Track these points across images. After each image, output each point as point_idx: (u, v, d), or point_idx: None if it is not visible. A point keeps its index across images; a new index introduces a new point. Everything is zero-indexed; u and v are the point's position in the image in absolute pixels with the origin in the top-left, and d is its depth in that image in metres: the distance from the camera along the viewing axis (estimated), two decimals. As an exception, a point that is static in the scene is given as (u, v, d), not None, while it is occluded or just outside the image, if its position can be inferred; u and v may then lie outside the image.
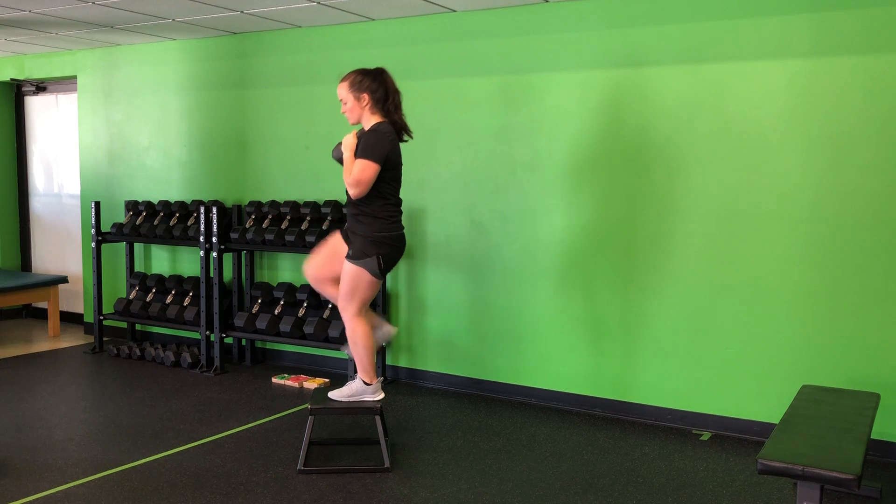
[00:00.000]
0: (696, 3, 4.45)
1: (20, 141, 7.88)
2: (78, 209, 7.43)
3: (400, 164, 3.89)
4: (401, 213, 3.95)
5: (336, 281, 3.97)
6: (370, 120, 3.84)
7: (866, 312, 4.13)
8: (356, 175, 3.69)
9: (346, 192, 3.78)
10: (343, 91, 3.85)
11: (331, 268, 4.00)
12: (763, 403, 4.39)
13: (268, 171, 6.06)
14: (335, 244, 4.01)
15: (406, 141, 3.98)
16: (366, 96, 3.81)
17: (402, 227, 3.94)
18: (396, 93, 3.88)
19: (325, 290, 4.08)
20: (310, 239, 5.42)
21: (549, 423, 4.67)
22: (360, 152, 3.72)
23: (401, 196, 3.98)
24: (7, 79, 7.46)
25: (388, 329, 4.15)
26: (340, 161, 3.87)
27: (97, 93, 6.89)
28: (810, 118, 4.20)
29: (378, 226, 3.80)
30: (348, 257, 3.83)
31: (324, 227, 5.55)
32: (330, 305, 5.55)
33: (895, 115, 4.01)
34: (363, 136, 3.78)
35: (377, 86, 3.82)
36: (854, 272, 4.14)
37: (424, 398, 5.16)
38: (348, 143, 3.80)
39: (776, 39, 4.26)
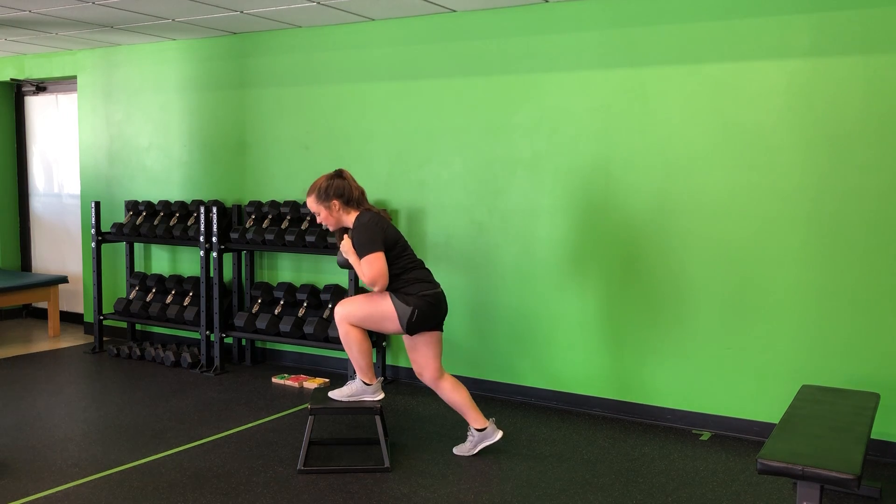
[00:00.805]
0: (696, 3, 4.45)
1: (20, 141, 7.88)
2: (78, 209, 7.44)
3: (400, 236, 3.92)
4: (429, 272, 3.98)
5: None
6: (349, 218, 3.89)
7: (866, 312, 4.13)
8: (369, 274, 3.74)
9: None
10: (313, 204, 3.90)
11: (422, 363, 3.99)
12: (763, 403, 4.39)
13: (268, 171, 6.06)
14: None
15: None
16: (335, 202, 3.85)
17: (439, 286, 3.96)
18: (359, 188, 3.92)
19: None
20: (310, 239, 5.42)
21: (549, 423, 4.67)
22: (359, 251, 3.77)
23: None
24: (7, 79, 7.46)
25: (498, 436, 4.09)
26: (347, 266, 3.96)
27: (97, 93, 6.90)
28: (810, 118, 4.21)
29: (418, 287, 3.85)
30: (391, 291, 3.84)
31: (323, 227, 5.54)
32: (330, 305, 5.55)
33: (894, 115, 4.01)
34: (353, 236, 3.82)
35: (342, 189, 3.86)
36: (854, 272, 4.15)
37: (424, 398, 5.16)
38: (347, 248, 3.87)
39: (776, 39, 4.26)
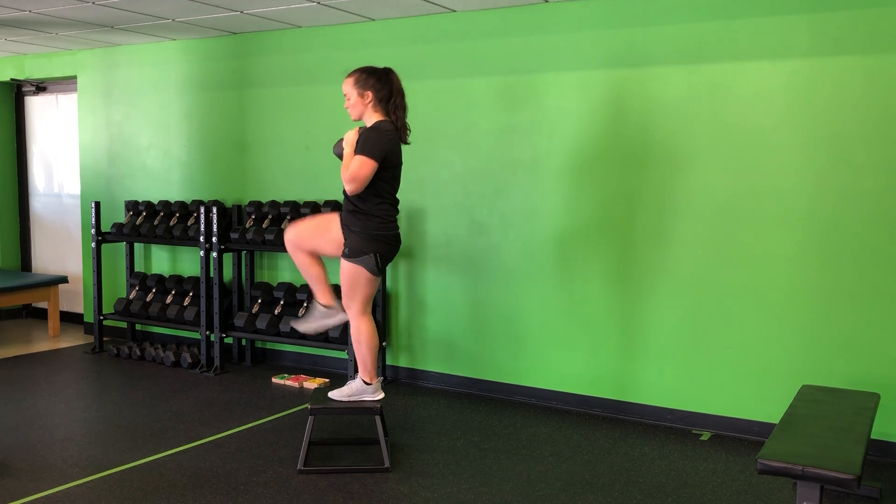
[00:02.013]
0: (696, 3, 4.45)
1: (20, 141, 7.88)
2: (78, 209, 7.43)
3: (399, 164, 3.89)
4: (397, 212, 3.95)
5: (311, 254, 3.98)
6: (372, 118, 3.85)
7: (866, 312, 4.13)
8: (353, 171, 3.69)
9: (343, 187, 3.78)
10: (348, 86, 3.86)
11: (313, 241, 3.98)
12: (763, 403, 4.39)
13: (268, 171, 6.06)
14: (328, 222, 3.98)
15: (407, 143, 3.96)
16: (370, 94, 3.81)
17: (398, 228, 3.94)
18: (401, 94, 3.87)
19: (298, 257, 4.01)
20: (310, 239, 5.42)
21: (549, 423, 4.67)
22: (359, 148, 3.72)
23: (399, 197, 3.97)
24: (7, 79, 7.46)
25: (342, 317, 4.08)
26: (341, 156, 3.87)
27: (97, 93, 6.90)
28: (809, 118, 4.21)
29: (374, 223, 3.80)
30: (344, 255, 3.84)
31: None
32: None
33: (893, 115, 4.01)
34: (364, 133, 3.78)
35: (382, 85, 3.82)
36: (853, 272, 4.15)
37: (424, 398, 5.16)
38: (349, 138, 3.80)
39: (775, 39, 4.26)
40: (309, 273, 4.02)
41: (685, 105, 4.51)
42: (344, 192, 3.80)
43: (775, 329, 4.35)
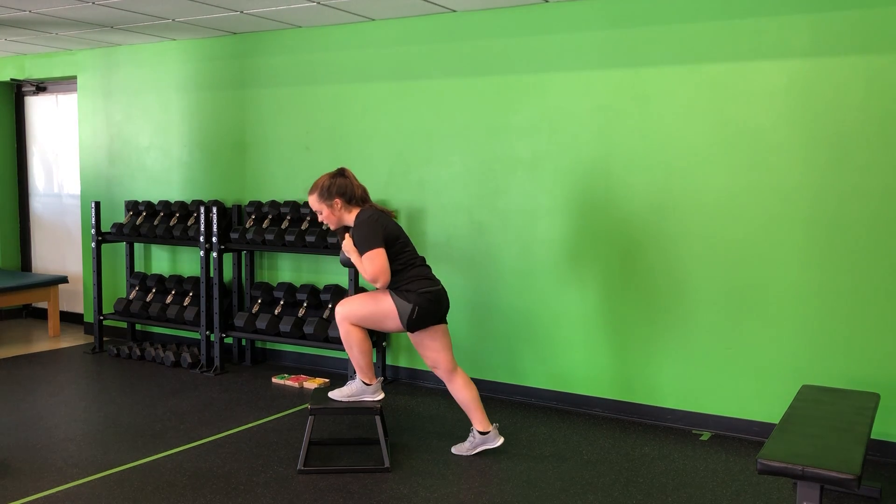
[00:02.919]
0: (696, 3, 4.45)
1: (20, 141, 7.88)
2: (78, 209, 7.44)
3: (401, 232, 3.93)
4: (430, 269, 3.98)
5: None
6: (350, 217, 3.89)
7: (866, 312, 4.13)
8: (370, 270, 3.73)
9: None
10: (315, 203, 3.91)
11: (436, 358, 4.01)
12: (763, 403, 4.39)
13: (268, 171, 6.06)
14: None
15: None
16: (337, 201, 3.87)
17: (440, 283, 3.96)
18: (361, 187, 3.94)
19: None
20: (310, 239, 5.42)
21: (549, 423, 4.67)
22: (360, 248, 3.77)
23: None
24: (7, 79, 7.46)
25: (499, 442, 4.09)
26: (350, 265, 3.98)
27: (97, 93, 6.90)
28: (809, 118, 4.21)
29: (418, 285, 3.85)
30: (391, 289, 3.85)
31: (324, 227, 5.55)
32: (330, 305, 5.55)
33: (894, 115, 4.01)
34: (354, 234, 3.83)
35: (344, 187, 3.87)
36: (854, 272, 4.15)
37: (424, 398, 5.16)
38: (349, 246, 3.87)
39: (776, 39, 4.26)
40: (459, 397, 4.03)
41: (685, 105, 4.51)
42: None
43: (775, 329, 4.35)
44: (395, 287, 3.85)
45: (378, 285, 3.78)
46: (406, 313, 3.80)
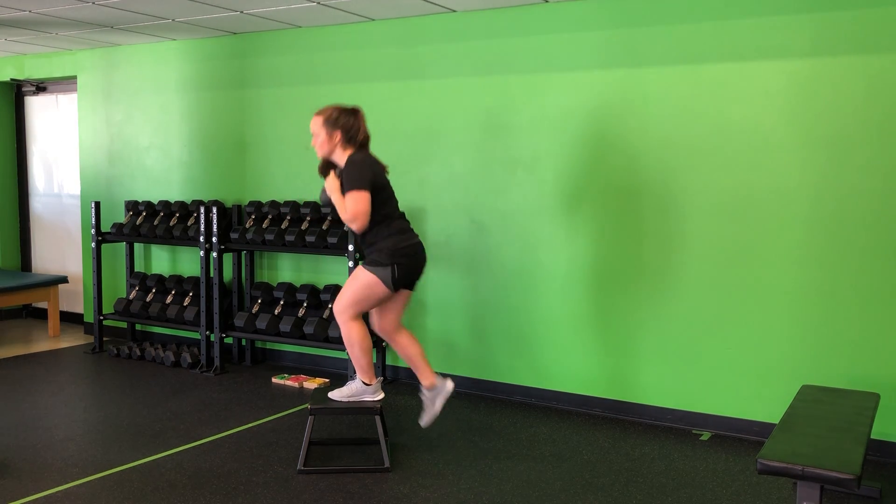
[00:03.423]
0: (696, 3, 4.45)
1: (20, 141, 7.88)
2: (78, 209, 7.44)
3: (388, 184, 3.90)
4: (409, 223, 3.96)
5: (400, 334, 4.03)
6: (342, 155, 3.84)
7: (866, 312, 4.13)
8: (351, 210, 3.70)
9: (352, 229, 3.78)
10: (317, 125, 3.86)
11: (387, 315, 4.01)
12: (763, 403, 4.39)
13: (268, 171, 6.06)
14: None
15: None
16: (338, 133, 3.82)
17: (417, 237, 3.94)
18: (366, 134, 3.90)
19: (394, 344, 4.09)
20: (310, 239, 5.42)
21: (549, 423, 4.67)
22: (346, 186, 3.73)
23: (399, 197, 3.98)
24: (7, 79, 7.46)
25: (449, 386, 4.11)
26: (329, 205, 3.92)
27: (97, 93, 6.90)
28: (809, 118, 4.21)
29: (393, 242, 3.81)
30: (362, 263, 3.84)
31: (324, 227, 5.55)
32: (330, 305, 5.55)
33: (894, 115, 4.01)
34: (343, 172, 3.79)
35: (352, 124, 3.84)
36: (854, 272, 4.15)
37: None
38: (331, 185, 3.83)
39: (776, 39, 4.26)
40: (406, 353, 4.06)
41: (685, 105, 4.51)
42: (354, 232, 3.80)
43: (775, 329, 4.35)
44: (368, 252, 3.84)
45: (355, 227, 3.72)
46: (388, 276, 3.78)
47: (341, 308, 3.86)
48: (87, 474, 3.79)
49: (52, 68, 7.18)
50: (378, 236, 3.82)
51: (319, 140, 3.85)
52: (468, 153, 5.22)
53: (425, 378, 4.07)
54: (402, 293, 3.96)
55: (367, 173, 3.74)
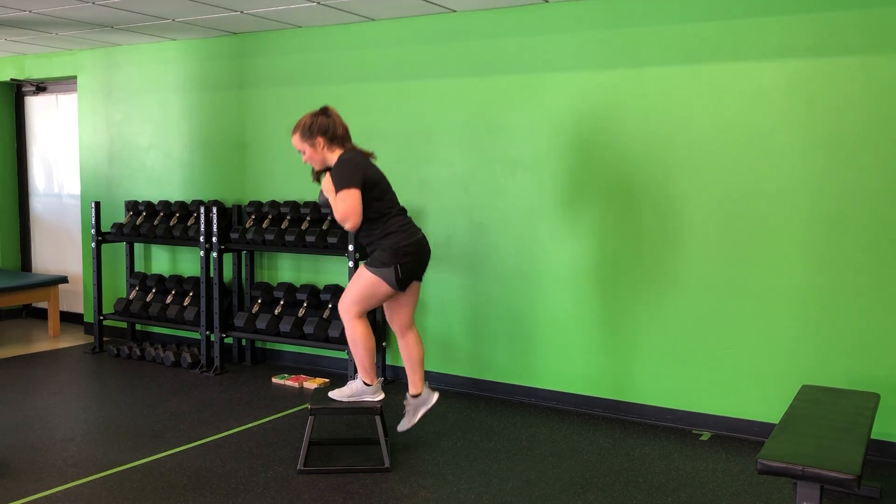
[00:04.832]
0: (696, 3, 4.45)
1: (20, 141, 7.88)
2: (78, 209, 7.43)
3: (383, 178, 3.88)
4: (409, 219, 3.94)
5: (406, 330, 4.03)
6: (333, 156, 3.85)
7: (866, 312, 4.13)
8: (340, 210, 3.69)
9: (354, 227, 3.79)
10: (297, 142, 3.86)
11: (400, 309, 4.02)
12: (763, 403, 4.39)
13: (268, 171, 6.06)
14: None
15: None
16: (320, 139, 3.82)
17: (419, 231, 3.93)
18: (343, 125, 3.89)
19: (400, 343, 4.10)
20: (310, 239, 5.42)
21: (549, 423, 4.67)
22: (336, 186, 3.73)
23: (399, 197, 3.98)
24: (7, 79, 7.46)
25: (434, 398, 4.13)
26: (328, 205, 3.91)
27: (97, 93, 6.90)
28: (810, 118, 4.21)
29: (394, 239, 3.80)
30: (365, 263, 3.84)
31: (324, 227, 5.55)
32: (330, 305, 5.55)
33: (894, 115, 4.01)
34: (333, 172, 3.79)
35: (327, 124, 3.83)
36: (854, 272, 4.15)
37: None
38: (328, 185, 3.82)
39: (776, 39, 4.26)
40: (409, 354, 4.07)
41: (685, 105, 4.51)
42: (354, 231, 3.84)
43: (775, 329, 4.35)
44: (370, 251, 3.84)
45: (347, 226, 3.72)
46: (391, 276, 3.77)
47: (346, 306, 3.85)
48: (87, 474, 3.79)
49: (52, 68, 7.18)
50: (375, 234, 3.81)
51: (307, 155, 3.87)
52: (468, 153, 5.22)
53: (415, 385, 4.09)
54: (412, 286, 3.96)
55: (355, 171, 3.73)
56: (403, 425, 4.12)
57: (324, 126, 3.81)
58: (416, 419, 4.09)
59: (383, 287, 3.80)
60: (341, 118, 3.89)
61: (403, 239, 3.82)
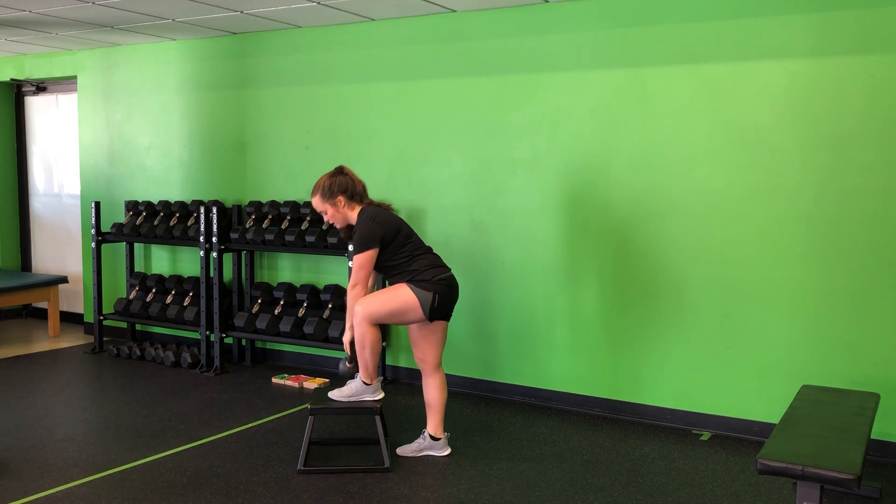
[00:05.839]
0: (696, 3, 4.45)
1: (20, 141, 7.88)
2: (78, 209, 7.44)
3: (403, 224, 3.95)
4: (438, 256, 4.01)
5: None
6: (353, 214, 3.93)
7: (866, 312, 4.13)
8: (351, 279, 3.84)
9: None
10: (318, 204, 3.94)
11: (431, 349, 4.01)
12: (763, 403, 4.39)
13: (268, 171, 6.06)
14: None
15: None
16: (341, 198, 3.90)
17: (449, 270, 3.97)
18: (361, 182, 3.97)
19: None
20: (310, 239, 5.42)
21: (549, 423, 4.67)
22: (354, 249, 3.83)
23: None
24: (7, 79, 7.46)
25: (446, 452, 4.12)
26: (350, 374, 4.03)
27: (97, 93, 6.90)
28: (810, 118, 4.21)
29: (430, 274, 3.86)
30: (407, 281, 3.85)
31: (323, 227, 5.55)
32: (330, 305, 5.55)
33: (894, 115, 4.01)
34: (354, 233, 3.89)
35: (346, 182, 3.91)
36: (854, 272, 4.15)
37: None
38: (347, 339, 3.97)
39: (776, 39, 4.26)
40: (433, 396, 4.05)
41: (685, 105, 4.51)
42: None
43: (775, 329, 4.35)
44: (410, 279, 3.86)
45: (352, 293, 3.81)
46: (428, 302, 3.80)
47: (368, 313, 3.79)
48: (87, 474, 3.79)
49: (52, 68, 7.18)
50: (414, 272, 3.85)
51: (329, 215, 3.94)
52: (468, 153, 5.22)
53: (435, 428, 4.08)
54: (439, 324, 3.97)
55: (375, 229, 3.81)
56: (405, 451, 4.11)
57: (343, 185, 3.89)
58: (419, 455, 4.10)
59: (416, 311, 3.82)
60: (356, 175, 3.98)
61: (439, 273, 3.89)
